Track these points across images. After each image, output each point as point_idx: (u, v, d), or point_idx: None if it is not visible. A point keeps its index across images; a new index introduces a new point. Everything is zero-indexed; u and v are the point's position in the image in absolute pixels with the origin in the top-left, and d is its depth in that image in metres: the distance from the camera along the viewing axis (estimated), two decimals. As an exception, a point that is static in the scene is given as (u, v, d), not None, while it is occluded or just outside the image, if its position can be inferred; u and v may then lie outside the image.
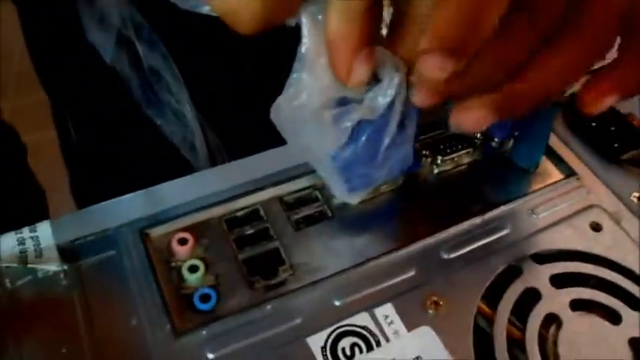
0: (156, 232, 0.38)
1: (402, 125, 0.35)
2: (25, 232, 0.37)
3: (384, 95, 0.32)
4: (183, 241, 0.37)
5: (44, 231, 0.37)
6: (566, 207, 0.41)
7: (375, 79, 0.32)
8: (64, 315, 0.35)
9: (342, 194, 0.37)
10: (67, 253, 0.37)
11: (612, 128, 0.45)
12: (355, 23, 0.27)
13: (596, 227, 0.40)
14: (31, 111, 0.78)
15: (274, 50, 0.50)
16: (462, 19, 0.24)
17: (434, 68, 0.25)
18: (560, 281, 0.37)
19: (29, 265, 0.36)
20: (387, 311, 0.35)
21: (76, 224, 0.38)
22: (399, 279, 0.37)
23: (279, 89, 0.32)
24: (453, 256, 0.38)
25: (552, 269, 0.37)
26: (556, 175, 0.43)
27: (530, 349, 0.34)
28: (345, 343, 0.34)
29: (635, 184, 0.42)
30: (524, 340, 0.35)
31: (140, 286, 0.36)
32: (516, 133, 0.43)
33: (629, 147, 0.44)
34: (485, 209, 0.40)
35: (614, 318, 0.36)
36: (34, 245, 0.37)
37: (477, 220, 0.40)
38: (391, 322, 0.35)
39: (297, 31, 0.30)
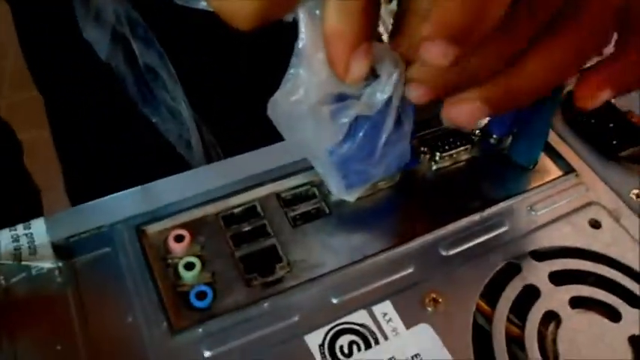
0: (152, 228, 0.38)
1: (399, 122, 0.35)
2: (20, 229, 0.37)
3: (381, 91, 0.32)
4: (179, 238, 0.37)
5: (38, 228, 0.37)
6: (565, 204, 0.41)
7: (373, 75, 0.31)
8: (58, 312, 0.34)
9: (339, 191, 0.37)
10: (62, 250, 0.37)
11: (611, 125, 0.44)
12: (353, 19, 0.27)
13: (595, 224, 0.40)
14: (26, 109, 0.77)
15: (270, 47, 0.50)
16: (468, 7, 0.24)
17: (437, 55, 0.24)
18: (559, 278, 0.37)
19: (23, 263, 0.36)
20: (385, 309, 0.35)
21: (70, 221, 0.38)
22: (397, 276, 0.36)
23: (274, 86, 0.32)
24: (451, 253, 0.38)
25: (551, 266, 0.37)
26: (555, 172, 0.43)
27: (529, 346, 0.34)
28: (343, 341, 0.34)
29: (635, 181, 0.42)
30: (524, 338, 0.34)
31: (136, 283, 0.35)
32: (515, 130, 0.43)
33: (628, 144, 0.43)
34: (484, 206, 0.40)
35: (614, 315, 0.36)
36: (28, 242, 0.36)
37: (475, 217, 0.39)
38: (389, 320, 0.34)
39: (293, 27, 0.30)
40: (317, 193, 0.41)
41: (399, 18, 0.29)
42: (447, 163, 0.43)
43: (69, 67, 0.60)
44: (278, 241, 0.38)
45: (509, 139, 0.44)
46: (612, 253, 0.38)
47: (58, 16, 0.55)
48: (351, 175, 0.36)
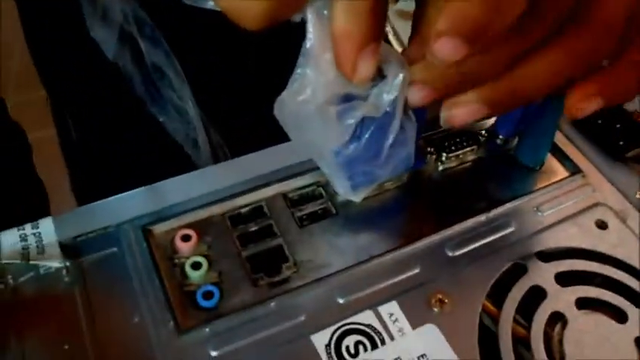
0: (159, 228, 0.38)
1: (405, 122, 0.35)
2: (28, 228, 0.37)
3: (388, 92, 0.32)
4: (186, 238, 0.37)
5: (46, 227, 0.37)
6: (572, 205, 0.41)
7: (379, 76, 0.31)
8: (66, 311, 0.35)
9: (345, 191, 0.37)
10: (70, 249, 0.37)
11: (618, 126, 0.44)
12: (361, 19, 0.27)
13: (601, 225, 0.40)
14: (32, 109, 0.78)
15: (277, 47, 0.50)
16: (484, 6, 0.24)
17: (449, 51, 0.24)
18: (565, 279, 0.37)
19: (31, 262, 0.36)
20: (391, 309, 0.35)
21: (78, 221, 0.38)
22: (403, 276, 0.36)
23: (281, 86, 0.32)
24: (457, 253, 0.38)
25: (558, 267, 0.37)
26: (561, 172, 0.43)
27: (535, 347, 0.34)
28: (350, 341, 0.34)
29: (641, 181, 0.42)
30: (530, 339, 0.34)
31: (143, 283, 0.36)
32: (521, 131, 0.43)
33: (634, 144, 0.43)
34: (490, 207, 0.40)
35: (620, 317, 0.36)
36: (36, 242, 0.36)
37: (481, 218, 0.39)
38: (396, 320, 0.34)
39: (301, 27, 0.30)
40: (323, 193, 0.41)
41: (417, 20, 0.30)
42: (453, 164, 0.43)
43: (76, 66, 0.60)
44: (284, 241, 0.38)
45: (516, 139, 0.44)
46: (618, 254, 0.38)
47: (66, 14, 0.55)
48: (357, 176, 0.36)
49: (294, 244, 0.38)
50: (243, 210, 0.40)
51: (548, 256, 0.38)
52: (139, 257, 0.37)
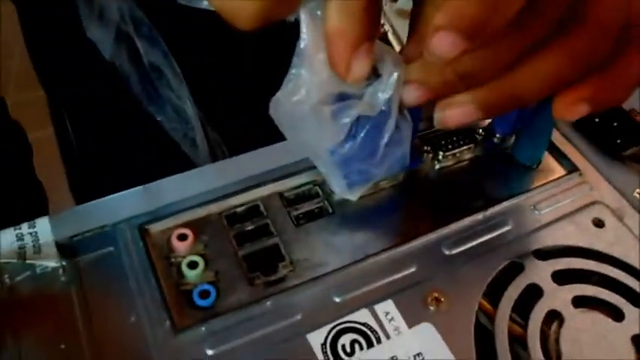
0: (155, 227, 0.38)
1: (401, 121, 0.35)
2: (24, 227, 0.37)
3: (383, 91, 0.32)
4: (182, 237, 0.37)
5: (43, 227, 0.37)
6: (569, 203, 0.41)
7: (374, 75, 0.31)
8: (62, 311, 0.35)
9: (341, 190, 0.37)
10: (66, 249, 0.37)
11: (615, 124, 0.44)
12: (354, 18, 0.27)
13: (598, 223, 0.40)
14: (31, 109, 0.78)
15: (274, 46, 0.50)
16: (483, 2, 0.24)
17: (446, 47, 0.24)
18: (562, 278, 0.37)
19: (28, 261, 0.36)
20: (387, 308, 0.35)
21: (74, 220, 0.38)
22: (399, 275, 0.36)
23: (278, 85, 0.32)
24: (454, 252, 0.38)
25: (554, 266, 0.37)
26: (558, 171, 0.43)
27: (531, 346, 0.34)
28: (346, 339, 0.34)
29: (638, 180, 0.42)
30: (526, 337, 0.34)
31: (139, 282, 0.36)
32: (518, 129, 0.43)
33: (631, 143, 0.43)
34: (487, 205, 0.40)
35: (617, 315, 0.36)
36: (32, 241, 0.36)
37: (478, 216, 0.39)
38: (392, 319, 0.34)
39: (296, 26, 0.30)
40: (320, 192, 0.41)
41: (415, 19, 0.30)
42: (450, 163, 0.43)
43: (73, 66, 0.60)
44: (281, 240, 0.38)
45: (513, 138, 0.44)
46: (615, 252, 0.38)
47: (63, 15, 0.55)
48: (352, 175, 0.36)
49: (290, 243, 0.38)
50: (239, 209, 0.40)
51: (545, 254, 0.38)
52: (136, 256, 0.37)
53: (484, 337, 0.34)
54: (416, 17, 0.30)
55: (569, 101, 0.29)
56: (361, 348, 0.33)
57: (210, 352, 0.33)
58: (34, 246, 0.36)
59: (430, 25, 0.25)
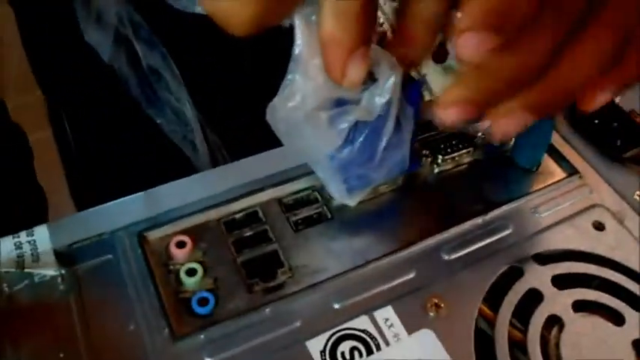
0: (153, 235, 0.38)
1: (399, 125, 0.35)
2: (23, 236, 0.37)
3: (380, 95, 0.32)
4: (181, 244, 0.37)
5: (41, 235, 0.37)
6: (569, 206, 0.40)
7: (371, 79, 0.31)
8: (61, 319, 0.35)
9: (340, 195, 0.37)
10: (64, 257, 0.37)
11: (615, 125, 0.44)
12: (349, 23, 0.27)
13: (599, 227, 0.39)
14: (31, 111, 0.78)
15: (273, 49, 0.50)
16: None
17: (476, 46, 0.24)
18: (562, 282, 0.37)
19: (26, 270, 0.36)
20: (387, 314, 0.35)
21: (73, 228, 0.38)
22: (399, 281, 0.36)
23: (277, 88, 0.32)
24: (453, 257, 0.38)
25: (554, 270, 0.37)
26: (558, 173, 0.43)
27: (532, 351, 0.34)
28: (345, 347, 0.33)
29: (638, 182, 0.42)
30: (526, 342, 0.34)
31: (138, 290, 0.35)
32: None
33: (632, 145, 0.43)
34: (487, 209, 0.40)
35: (617, 319, 0.36)
36: (31, 250, 0.36)
37: (478, 221, 0.39)
38: (391, 325, 0.34)
39: (292, 31, 0.30)
40: (319, 197, 0.41)
41: (399, 25, 0.29)
42: (449, 166, 0.43)
43: (73, 68, 0.60)
44: (280, 246, 0.38)
45: (512, 141, 0.43)
46: (616, 256, 0.38)
47: (61, 18, 0.55)
48: (352, 180, 0.36)
49: (289, 249, 0.38)
50: (238, 215, 0.39)
51: (545, 258, 0.38)
52: (134, 264, 0.36)
53: (484, 343, 0.34)
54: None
55: (590, 90, 0.29)
56: (360, 355, 0.33)
57: (208, 360, 0.33)
58: (32, 254, 0.36)
59: (456, 26, 0.24)
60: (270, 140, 0.40)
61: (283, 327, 0.34)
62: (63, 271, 0.36)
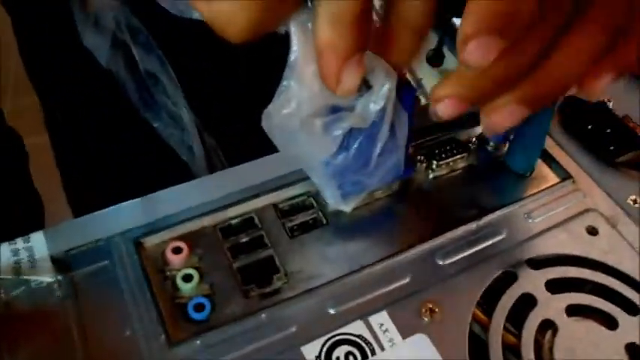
0: (150, 241, 0.38)
1: (393, 131, 0.35)
2: (19, 242, 0.37)
3: (375, 102, 0.32)
4: (177, 250, 0.37)
5: (38, 242, 0.37)
6: (562, 211, 0.41)
7: (365, 86, 0.32)
8: (57, 326, 0.35)
9: (335, 201, 0.37)
10: (61, 263, 0.37)
11: (608, 130, 0.44)
12: (345, 31, 0.27)
13: (592, 231, 0.40)
14: (28, 115, 0.78)
15: (270, 54, 0.50)
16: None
17: (483, 54, 0.24)
18: (555, 286, 0.37)
19: (23, 276, 0.36)
20: (381, 319, 0.35)
21: (69, 234, 0.38)
22: (393, 286, 0.37)
23: (273, 92, 0.32)
24: (448, 262, 0.38)
25: (548, 274, 0.37)
26: (552, 178, 0.43)
27: (526, 355, 0.34)
28: (340, 352, 0.34)
29: (632, 186, 0.42)
30: (520, 347, 0.35)
31: (134, 295, 0.36)
32: (511, 137, 0.43)
33: (625, 149, 0.43)
34: (481, 214, 0.40)
35: (611, 323, 0.36)
36: (27, 256, 0.37)
37: (472, 226, 0.40)
38: (386, 330, 0.35)
39: (287, 38, 0.30)
40: (314, 203, 0.41)
41: (385, 29, 0.30)
42: (443, 172, 0.43)
43: (69, 72, 0.60)
44: (275, 251, 0.38)
45: (506, 146, 0.44)
46: (609, 260, 0.38)
47: (58, 22, 0.55)
48: (346, 186, 0.37)
49: (284, 254, 0.38)
50: (233, 221, 0.40)
51: (538, 263, 0.38)
52: (130, 270, 0.37)
53: (478, 347, 0.34)
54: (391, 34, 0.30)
55: (596, 74, 0.29)
56: (355, 360, 0.34)
57: (205, 366, 0.33)
58: (29, 261, 0.36)
59: (459, 35, 0.25)
60: (266, 143, 0.40)
61: (279, 332, 0.35)
62: (59, 277, 0.36)
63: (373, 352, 0.34)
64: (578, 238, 0.39)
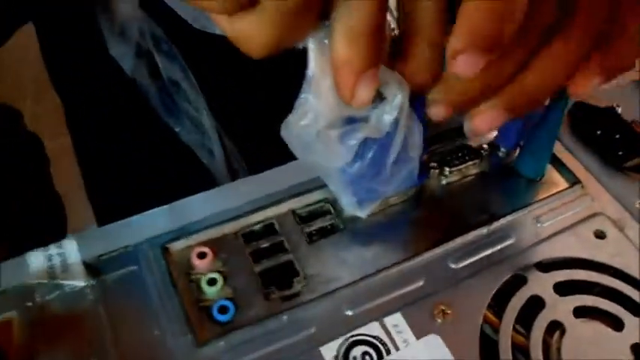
0: (176, 246, 0.40)
1: (407, 140, 0.36)
2: (52, 248, 0.39)
3: (388, 113, 0.33)
4: (202, 255, 0.39)
5: (70, 247, 0.39)
6: (571, 215, 0.42)
7: (379, 98, 0.33)
8: (90, 327, 0.37)
9: (351, 208, 0.39)
10: (92, 268, 0.39)
11: (616, 136, 0.45)
12: (360, 46, 0.28)
13: (600, 235, 0.41)
14: (47, 119, 0.79)
15: (290, 60, 0.52)
16: (494, 15, 0.26)
17: (470, 66, 0.26)
18: (563, 289, 0.38)
19: (57, 281, 0.38)
20: (396, 320, 0.37)
21: (100, 240, 0.40)
22: (408, 289, 0.38)
23: (292, 99, 0.34)
24: (460, 265, 0.39)
25: (556, 277, 0.38)
26: (561, 183, 0.44)
27: (534, 355, 0.36)
28: (357, 352, 0.35)
29: (639, 191, 0.43)
30: (529, 347, 0.36)
31: (162, 299, 0.37)
32: (522, 143, 0.44)
33: (633, 154, 0.44)
34: (492, 219, 0.41)
35: (617, 324, 0.37)
36: (60, 261, 0.38)
37: (483, 231, 0.41)
38: (400, 331, 0.36)
39: (306, 52, 0.31)
40: (332, 209, 0.43)
41: (401, 42, 0.31)
42: (456, 178, 0.44)
43: (94, 79, 0.62)
44: (295, 256, 0.40)
45: (517, 152, 0.45)
46: (616, 263, 0.39)
47: (85, 31, 0.57)
48: (361, 193, 0.38)
49: (304, 259, 0.40)
50: (255, 227, 0.41)
51: (547, 266, 0.39)
52: (158, 274, 0.38)
53: (489, 347, 0.36)
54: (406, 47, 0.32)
55: (585, 75, 0.31)
56: (372, 359, 0.35)
57: (229, 365, 0.35)
58: (62, 266, 0.38)
59: (448, 48, 0.26)
60: (285, 148, 0.42)
61: (299, 333, 0.36)
62: (92, 282, 0.38)
63: (388, 352, 0.35)
64: (586, 242, 0.41)
